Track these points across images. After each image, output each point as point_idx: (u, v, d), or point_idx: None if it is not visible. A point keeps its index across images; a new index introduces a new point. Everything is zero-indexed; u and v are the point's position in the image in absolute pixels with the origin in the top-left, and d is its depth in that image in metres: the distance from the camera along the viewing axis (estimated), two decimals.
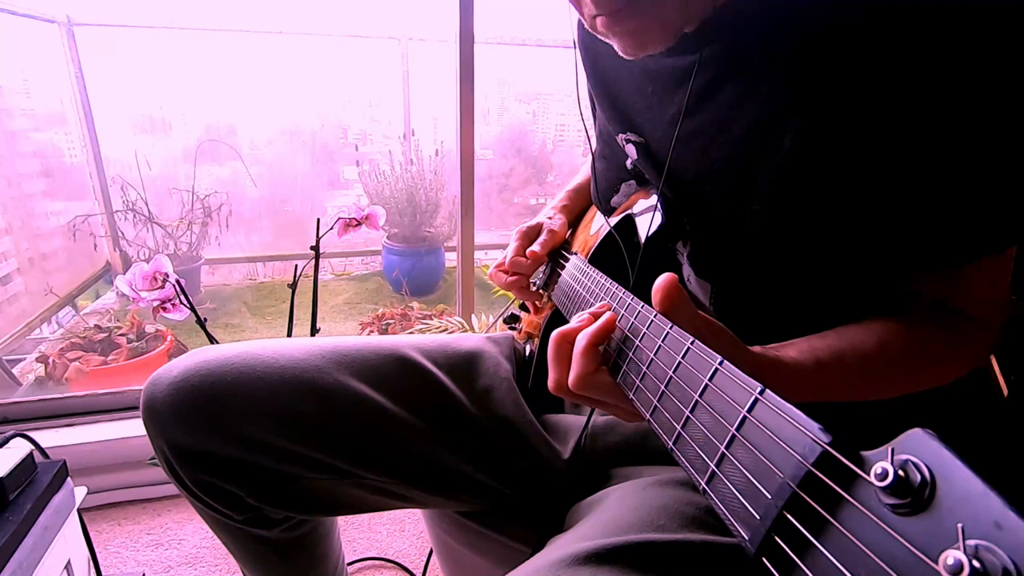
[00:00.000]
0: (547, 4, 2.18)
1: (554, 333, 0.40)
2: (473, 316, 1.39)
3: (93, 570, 0.80)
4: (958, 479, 0.16)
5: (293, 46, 2.38)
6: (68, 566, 0.71)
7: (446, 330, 1.37)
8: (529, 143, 2.91)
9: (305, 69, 2.43)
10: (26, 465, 0.65)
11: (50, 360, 1.56)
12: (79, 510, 0.76)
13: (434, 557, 1.08)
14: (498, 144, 2.88)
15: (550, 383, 0.41)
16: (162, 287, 0.91)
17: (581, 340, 0.38)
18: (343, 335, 2.19)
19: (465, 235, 1.41)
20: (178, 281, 0.88)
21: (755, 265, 0.47)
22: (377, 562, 1.12)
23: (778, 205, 0.43)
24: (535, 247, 0.65)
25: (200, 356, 0.57)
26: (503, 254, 0.68)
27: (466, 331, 1.39)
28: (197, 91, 2.40)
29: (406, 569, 1.10)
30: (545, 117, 2.89)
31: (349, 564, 1.10)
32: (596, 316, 0.39)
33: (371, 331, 1.96)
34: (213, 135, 2.41)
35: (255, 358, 0.57)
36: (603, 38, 0.43)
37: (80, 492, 0.75)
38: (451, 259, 2.67)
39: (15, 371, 1.61)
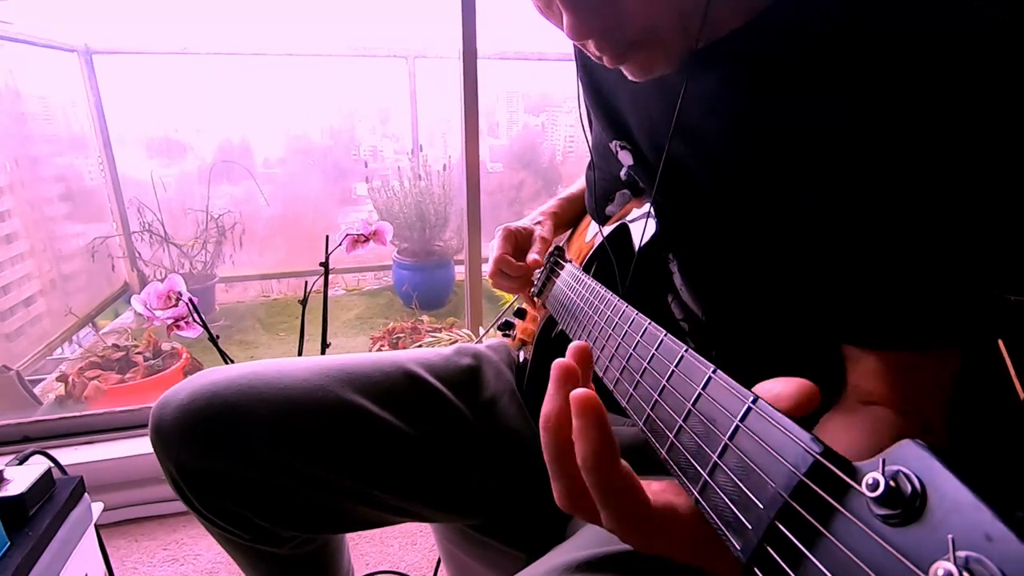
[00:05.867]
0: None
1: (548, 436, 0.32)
2: (481, 328, 1.40)
3: None
4: (948, 490, 0.16)
5: (305, 67, 2.44)
6: None
7: (455, 342, 1.37)
8: (539, 155, 2.91)
9: (316, 89, 2.48)
10: (44, 481, 0.66)
11: (69, 379, 1.60)
12: (96, 525, 0.77)
13: (442, 567, 1.08)
14: (508, 157, 2.88)
15: (559, 500, 0.33)
16: (175, 305, 0.93)
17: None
18: (352, 351, 2.23)
19: (473, 250, 1.43)
20: (191, 299, 0.90)
21: (747, 276, 0.46)
22: (389, 575, 1.12)
23: (792, 225, 0.41)
24: (535, 255, 0.66)
25: (206, 378, 0.57)
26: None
27: (471, 340, 1.40)
28: (211, 114, 2.46)
29: None
30: (554, 129, 2.90)
31: None
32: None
33: (381, 345, 1.98)
34: (227, 156, 2.46)
35: (260, 378, 0.58)
36: (611, 67, 0.43)
37: (97, 508, 0.76)
38: (460, 272, 2.69)
39: (36, 391, 1.65)
